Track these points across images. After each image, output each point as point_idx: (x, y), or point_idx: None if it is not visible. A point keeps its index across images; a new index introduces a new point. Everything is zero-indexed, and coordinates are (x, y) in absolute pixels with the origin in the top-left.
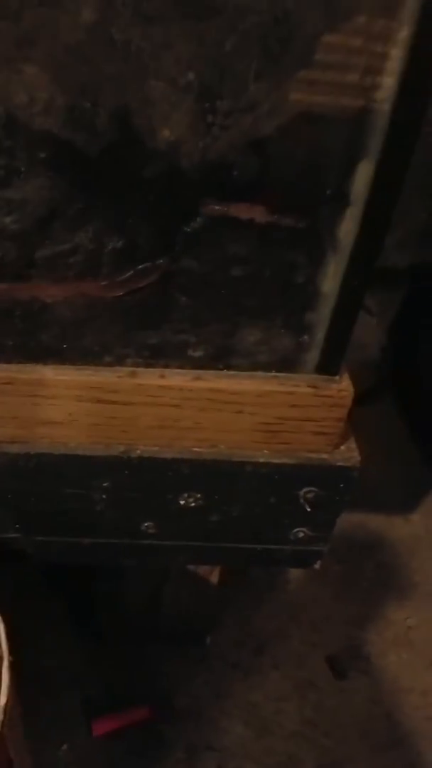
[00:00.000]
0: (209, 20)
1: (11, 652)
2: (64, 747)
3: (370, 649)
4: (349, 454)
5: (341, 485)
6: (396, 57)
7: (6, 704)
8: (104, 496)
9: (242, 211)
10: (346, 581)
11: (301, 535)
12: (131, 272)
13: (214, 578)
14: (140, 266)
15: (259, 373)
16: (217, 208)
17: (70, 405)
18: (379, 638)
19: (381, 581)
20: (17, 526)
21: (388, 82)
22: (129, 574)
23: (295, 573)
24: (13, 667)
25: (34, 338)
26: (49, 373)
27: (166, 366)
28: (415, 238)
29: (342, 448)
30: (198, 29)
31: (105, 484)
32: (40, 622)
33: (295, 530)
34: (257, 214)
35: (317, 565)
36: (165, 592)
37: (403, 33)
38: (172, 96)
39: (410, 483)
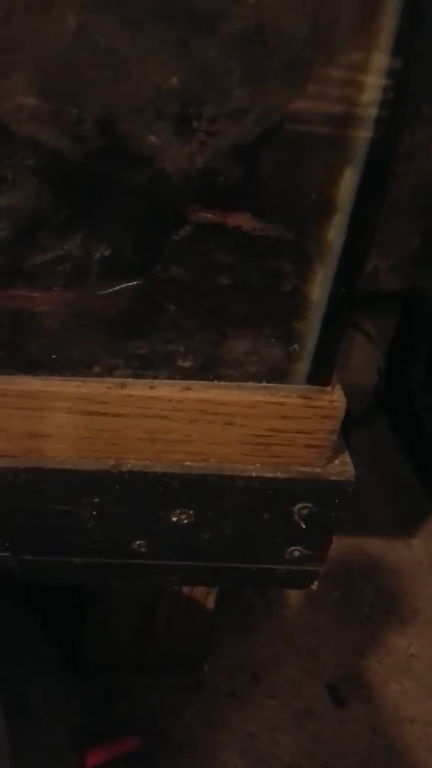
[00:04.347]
0: (192, 27)
1: None
2: None
3: (370, 677)
4: (342, 468)
5: (336, 501)
6: (378, 61)
7: None
8: (94, 513)
9: (229, 219)
10: (345, 607)
11: (296, 553)
12: (119, 281)
13: (210, 603)
14: (128, 275)
15: (250, 384)
16: (204, 215)
17: (58, 417)
18: (380, 666)
19: (381, 607)
20: (5, 544)
21: (372, 87)
22: (118, 598)
23: (292, 598)
24: None
25: (22, 349)
26: (37, 384)
27: (156, 377)
28: (408, 262)
29: (336, 462)
30: (181, 35)
31: (95, 500)
32: (24, 651)
33: (290, 549)
34: (244, 221)
35: (314, 586)
36: (157, 618)
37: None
38: (157, 102)
39: (410, 506)
